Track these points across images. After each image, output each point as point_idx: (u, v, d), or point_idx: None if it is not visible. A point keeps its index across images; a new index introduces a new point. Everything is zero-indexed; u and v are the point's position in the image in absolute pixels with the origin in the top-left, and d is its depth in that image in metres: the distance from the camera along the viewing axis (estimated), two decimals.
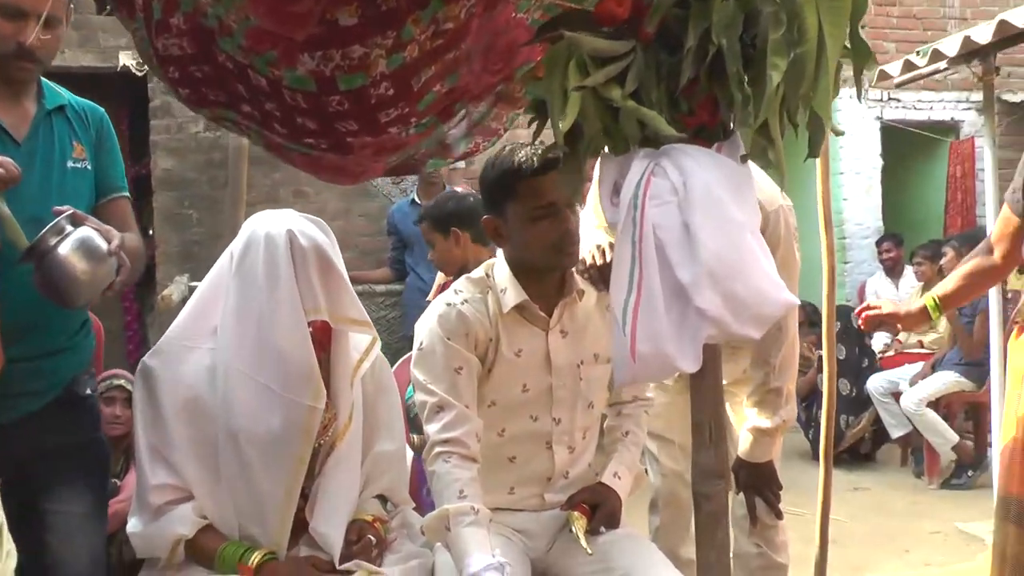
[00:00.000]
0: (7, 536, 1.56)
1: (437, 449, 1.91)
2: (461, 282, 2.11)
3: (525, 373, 2.03)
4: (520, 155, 1.96)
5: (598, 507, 2.03)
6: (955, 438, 5.13)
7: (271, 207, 2.17)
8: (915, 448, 5.45)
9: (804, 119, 1.31)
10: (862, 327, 2.59)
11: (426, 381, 1.97)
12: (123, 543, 2.46)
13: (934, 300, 2.46)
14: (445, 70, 1.32)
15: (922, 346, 5.90)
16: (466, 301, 2.01)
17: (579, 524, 1.96)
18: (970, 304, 5.28)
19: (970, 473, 5.11)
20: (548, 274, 2.05)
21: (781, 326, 2.27)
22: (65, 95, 2.05)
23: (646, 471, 2.46)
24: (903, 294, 6.19)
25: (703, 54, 1.25)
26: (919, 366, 5.49)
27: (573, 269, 2.09)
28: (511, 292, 2.01)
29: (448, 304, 2.01)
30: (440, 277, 3.37)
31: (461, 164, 5.79)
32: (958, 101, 7.07)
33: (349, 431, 2.02)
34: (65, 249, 1.74)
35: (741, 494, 2.40)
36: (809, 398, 5.47)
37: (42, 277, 1.76)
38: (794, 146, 1.38)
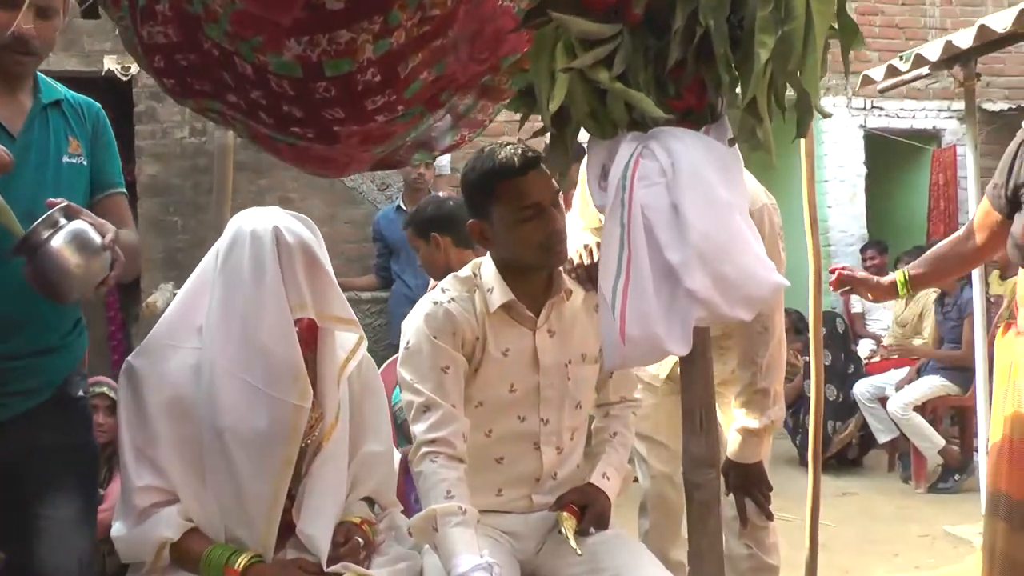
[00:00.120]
0: None
1: (424, 449, 1.89)
2: (448, 280, 2.09)
3: (512, 373, 2.01)
4: (500, 156, 1.93)
5: (587, 508, 2.00)
6: (941, 442, 5.15)
7: None
8: (902, 453, 5.46)
9: (792, 100, 1.30)
10: (832, 285, 2.60)
11: (413, 380, 1.95)
12: (106, 555, 2.43)
13: (904, 275, 2.49)
14: (432, 57, 1.32)
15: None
16: (453, 299, 2.00)
17: (568, 525, 1.94)
18: (956, 307, 5.32)
19: (956, 477, 5.13)
20: (535, 273, 2.03)
21: (767, 326, 2.27)
22: (61, 90, 2.03)
23: (636, 479, 2.44)
24: (888, 301, 6.21)
25: (690, 36, 1.25)
26: (905, 371, 5.52)
27: (561, 268, 2.08)
28: (498, 291, 1.99)
29: (435, 302, 2.00)
30: (433, 283, 3.35)
31: (447, 171, 5.79)
32: (940, 110, 7.14)
33: (336, 431, 1.99)
34: (58, 242, 1.70)
35: (731, 495, 2.39)
36: (796, 404, 5.48)
37: (34, 270, 1.72)
38: (781, 147, 1.38)
